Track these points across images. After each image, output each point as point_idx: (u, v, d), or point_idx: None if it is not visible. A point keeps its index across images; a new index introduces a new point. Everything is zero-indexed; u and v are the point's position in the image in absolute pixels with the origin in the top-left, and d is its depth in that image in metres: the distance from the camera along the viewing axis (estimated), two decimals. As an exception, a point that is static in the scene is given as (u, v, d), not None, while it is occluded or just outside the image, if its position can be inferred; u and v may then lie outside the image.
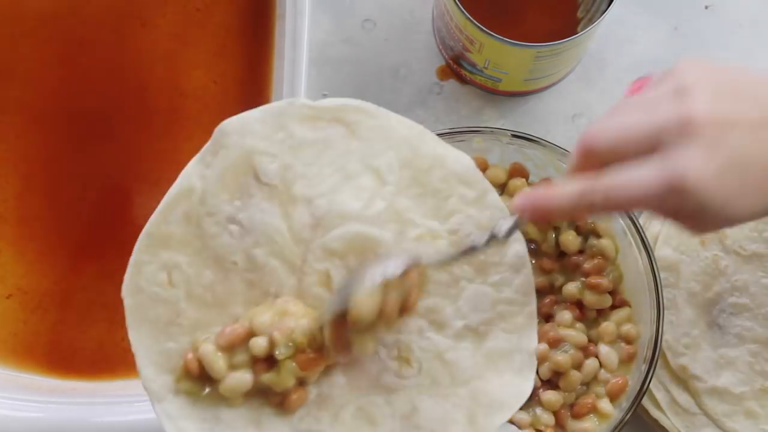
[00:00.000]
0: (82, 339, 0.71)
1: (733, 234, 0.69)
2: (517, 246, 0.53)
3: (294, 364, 0.50)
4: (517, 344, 0.53)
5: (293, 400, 0.51)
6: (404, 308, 0.50)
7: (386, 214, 0.52)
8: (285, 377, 0.50)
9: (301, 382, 0.51)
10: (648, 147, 0.45)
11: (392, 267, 0.49)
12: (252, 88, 0.73)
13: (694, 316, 0.69)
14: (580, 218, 0.52)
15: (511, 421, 0.60)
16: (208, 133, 0.53)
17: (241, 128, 0.52)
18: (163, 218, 0.52)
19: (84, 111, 0.73)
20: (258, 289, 0.52)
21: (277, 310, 0.51)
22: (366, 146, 0.52)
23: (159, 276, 0.52)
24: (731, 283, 0.69)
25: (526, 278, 0.53)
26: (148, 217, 0.52)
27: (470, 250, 0.51)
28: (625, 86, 0.75)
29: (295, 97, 0.54)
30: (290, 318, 0.50)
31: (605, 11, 0.64)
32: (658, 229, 0.70)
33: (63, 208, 0.72)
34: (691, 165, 0.44)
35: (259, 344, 0.50)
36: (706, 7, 0.77)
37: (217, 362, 0.50)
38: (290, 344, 0.49)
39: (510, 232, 0.50)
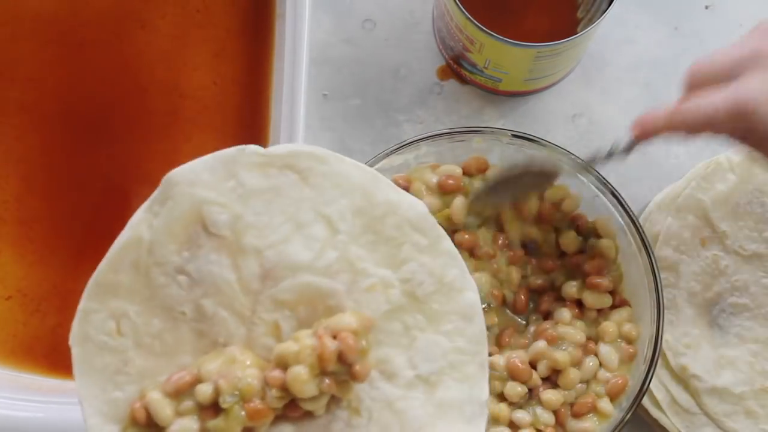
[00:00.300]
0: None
1: (733, 234, 0.69)
2: (470, 294, 0.52)
3: (242, 412, 0.49)
4: (469, 394, 0.52)
5: None
6: (354, 376, 0.49)
7: (338, 264, 0.51)
8: (231, 425, 0.49)
9: (250, 431, 0.50)
10: (730, 75, 0.52)
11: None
12: (252, 88, 0.73)
13: (694, 316, 0.69)
14: (676, 134, 0.57)
15: None
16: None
17: (190, 178, 0.51)
18: (111, 267, 0.51)
19: (84, 112, 0.73)
20: (207, 339, 0.51)
21: (226, 359, 0.50)
22: (317, 194, 0.51)
23: (107, 324, 0.51)
24: (731, 283, 0.69)
25: (479, 327, 0.52)
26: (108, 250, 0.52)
27: (594, 161, 0.61)
28: (625, 86, 0.76)
29: (245, 145, 0.52)
30: (238, 366, 0.49)
31: (605, 11, 0.64)
32: (658, 229, 0.70)
33: (63, 209, 0.72)
34: (754, 88, 0.50)
35: (204, 391, 0.49)
36: (706, 7, 0.77)
37: (164, 409, 0.49)
38: (236, 392, 0.49)
39: (628, 148, 0.58)
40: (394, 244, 0.52)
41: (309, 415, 0.51)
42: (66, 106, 0.73)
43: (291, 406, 0.50)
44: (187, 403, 0.50)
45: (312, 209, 0.51)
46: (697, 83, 0.55)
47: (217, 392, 0.49)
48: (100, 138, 0.73)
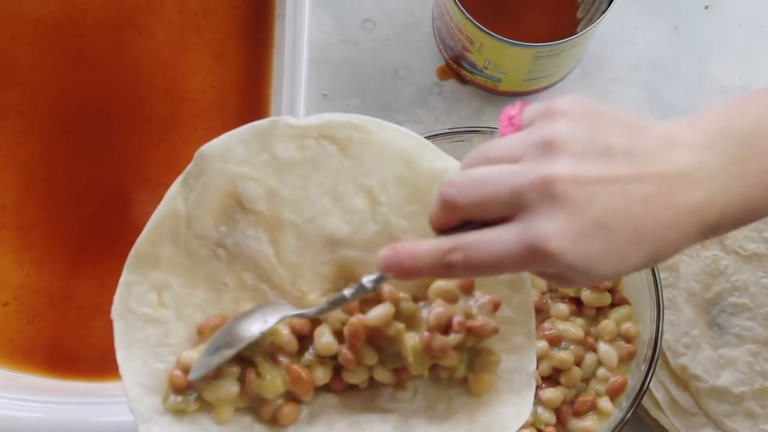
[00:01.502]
0: (82, 346, 0.70)
1: (733, 234, 0.69)
2: None
3: (284, 372, 0.49)
4: (517, 365, 0.51)
5: (284, 414, 0.50)
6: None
7: (378, 237, 0.50)
8: (272, 382, 0.49)
9: (294, 399, 0.50)
10: (511, 206, 0.43)
11: (268, 322, 0.48)
12: (251, 91, 0.73)
13: (694, 316, 0.69)
14: (445, 278, 0.49)
15: None
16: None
17: (222, 152, 0.50)
18: (150, 240, 0.51)
19: (83, 118, 0.73)
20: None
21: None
22: (357, 164, 0.50)
23: (149, 296, 0.51)
24: (731, 283, 0.69)
25: (525, 297, 0.51)
26: (147, 223, 0.52)
27: (339, 301, 0.48)
28: (625, 86, 0.76)
29: (279, 117, 0.51)
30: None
31: (605, 11, 0.64)
32: (658, 229, 0.70)
33: (62, 215, 0.72)
34: (552, 230, 0.42)
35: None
36: (706, 7, 0.77)
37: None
38: (273, 341, 0.49)
39: (376, 285, 0.47)
40: None
41: (353, 388, 0.50)
42: (65, 111, 0.73)
43: (335, 380, 0.50)
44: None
45: (351, 181, 0.50)
46: (464, 212, 0.44)
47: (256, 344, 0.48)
48: (100, 144, 0.73)
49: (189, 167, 0.51)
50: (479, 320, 0.48)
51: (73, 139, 0.73)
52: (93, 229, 0.72)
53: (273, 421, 0.50)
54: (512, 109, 0.47)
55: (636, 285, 0.65)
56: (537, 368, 0.65)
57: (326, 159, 0.50)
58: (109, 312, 0.68)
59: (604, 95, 0.76)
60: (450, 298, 0.49)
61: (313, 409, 0.51)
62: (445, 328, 0.48)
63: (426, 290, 0.50)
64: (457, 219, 0.45)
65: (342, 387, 0.50)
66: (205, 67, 0.73)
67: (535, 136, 0.44)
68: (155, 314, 0.51)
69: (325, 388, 0.51)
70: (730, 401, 0.68)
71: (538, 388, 0.65)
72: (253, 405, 0.50)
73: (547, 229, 0.42)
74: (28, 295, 0.71)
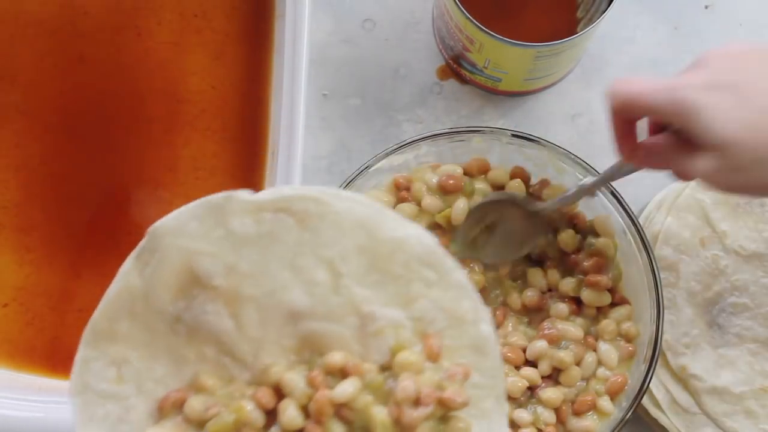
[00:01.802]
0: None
1: (733, 234, 0.69)
2: (483, 326, 0.50)
3: None
4: (488, 430, 0.50)
5: None
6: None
7: (342, 309, 0.49)
8: None
9: None
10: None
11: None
12: (251, 91, 0.73)
13: (694, 316, 0.69)
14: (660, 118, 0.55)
15: None
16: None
17: (175, 228, 0.49)
18: (106, 317, 0.50)
19: (83, 119, 0.73)
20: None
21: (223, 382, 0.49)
22: (316, 237, 0.49)
23: (108, 371, 0.49)
24: (731, 282, 0.69)
25: (494, 360, 0.50)
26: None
27: (564, 201, 0.63)
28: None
29: (231, 192, 0.49)
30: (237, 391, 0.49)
31: (605, 11, 0.64)
32: (658, 228, 0.70)
33: (62, 216, 0.72)
34: (690, 77, 0.50)
35: (193, 405, 0.48)
36: (706, 7, 0.77)
37: None
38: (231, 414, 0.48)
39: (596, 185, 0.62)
40: (402, 282, 0.49)
41: None
42: (66, 112, 0.73)
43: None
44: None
45: (311, 253, 0.49)
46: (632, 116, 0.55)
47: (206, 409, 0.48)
48: (100, 144, 0.73)
49: (142, 243, 0.50)
50: (449, 392, 0.48)
51: (73, 140, 0.73)
52: (93, 230, 0.72)
53: None
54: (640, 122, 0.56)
55: (636, 285, 0.65)
56: (537, 368, 0.65)
57: (284, 232, 0.49)
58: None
59: (604, 95, 0.76)
60: (416, 369, 0.48)
61: None
62: (414, 400, 0.47)
63: (392, 360, 0.49)
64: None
65: None
66: (204, 67, 0.73)
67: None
68: (115, 390, 0.50)
69: None
70: (730, 401, 0.68)
71: (538, 387, 0.65)
72: None
73: (689, 76, 0.51)
74: (28, 296, 0.71)
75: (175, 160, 0.72)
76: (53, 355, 0.70)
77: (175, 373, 0.50)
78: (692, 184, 0.70)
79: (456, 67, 0.74)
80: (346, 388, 0.47)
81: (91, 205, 0.72)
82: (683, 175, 0.54)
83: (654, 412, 0.69)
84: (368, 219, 0.49)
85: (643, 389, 0.63)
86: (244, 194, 0.49)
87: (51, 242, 0.71)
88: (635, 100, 0.52)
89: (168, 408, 0.49)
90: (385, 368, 0.49)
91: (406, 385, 0.47)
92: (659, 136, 0.54)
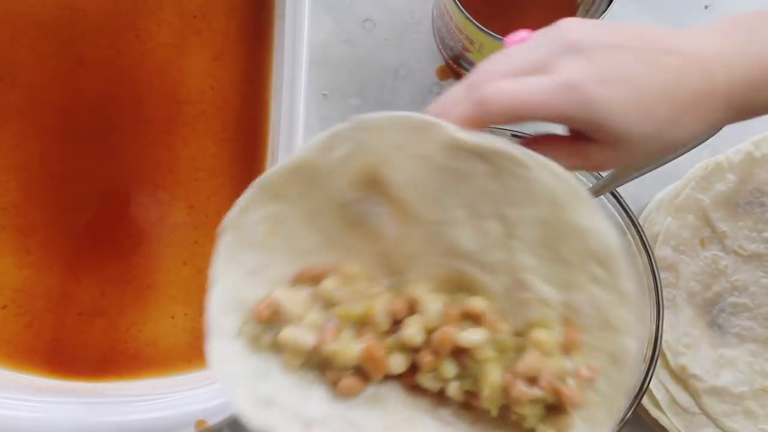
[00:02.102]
0: (81, 348, 0.70)
1: (733, 234, 0.69)
2: (628, 341, 0.48)
3: (363, 344, 0.48)
4: None
5: (345, 385, 0.49)
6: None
7: (501, 266, 0.49)
8: (345, 352, 0.48)
9: (363, 374, 0.49)
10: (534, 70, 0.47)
11: None
12: (251, 92, 0.73)
13: (693, 316, 0.69)
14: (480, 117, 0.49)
15: None
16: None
17: (379, 129, 0.49)
18: (281, 174, 0.49)
19: (83, 120, 0.73)
20: None
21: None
22: (505, 193, 0.48)
23: (263, 224, 0.49)
24: (731, 282, 0.69)
25: (626, 378, 0.48)
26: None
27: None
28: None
29: (443, 121, 0.48)
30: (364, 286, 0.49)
31: (605, 11, 0.64)
32: (658, 228, 0.70)
33: (62, 217, 0.72)
34: (577, 70, 0.46)
35: (326, 286, 0.48)
36: (706, 7, 0.77)
37: (294, 304, 0.48)
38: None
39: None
40: (569, 268, 0.48)
41: (422, 389, 0.49)
42: (66, 114, 0.73)
43: (408, 375, 0.49)
44: (314, 315, 0.49)
45: (493, 204, 0.48)
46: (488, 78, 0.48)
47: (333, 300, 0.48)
48: (100, 146, 0.73)
49: (339, 128, 0.49)
50: (569, 387, 0.47)
51: (73, 141, 0.73)
52: (92, 232, 0.72)
53: (333, 387, 0.49)
54: (522, 33, 0.52)
55: (636, 286, 0.65)
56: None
57: (474, 176, 0.48)
58: (109, 316, 0.69)
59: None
60: (546, 351, 0.48)
61: (378, 392, 0.50)
62: (531, 378, 0.47)
63: (527, 332, 0.49)
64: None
65: (412, 384, 0.50)
66: (204, 68, 0.73)
67: (550, 34, 0.49)
68: (262, 242, 0.49)
69: (397, 379, 0.50)
70: (730, 401, 0.68)
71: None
72: (322, 364, 0.49)
73: (573, 69, 0.47)
74: (27, 298, 0.71)
75: (175, 161, 0.72)
76: (53, 357, 0.70)
77: (323, 251, 0.50)
78: (692, 184, 0.70)
79: (456, 68, 0.74)
80: (474, 335, 0.47)
81: (91, 206, 0.72)
82: (579, 168, 0.51)
83: (654, 412, 0.69)
84: (561, 197, 0.48)
85: (642, 389, 0.63)
86: (451, 127, 0.48)
87: (50, 244, 0.71)
88: (523, 108, 0.47)
89: (305, 278, 0.49)
90: (518, 335, 0.49)
91: (531, 360, 0.47)
92: (549, 136, 0.52)
